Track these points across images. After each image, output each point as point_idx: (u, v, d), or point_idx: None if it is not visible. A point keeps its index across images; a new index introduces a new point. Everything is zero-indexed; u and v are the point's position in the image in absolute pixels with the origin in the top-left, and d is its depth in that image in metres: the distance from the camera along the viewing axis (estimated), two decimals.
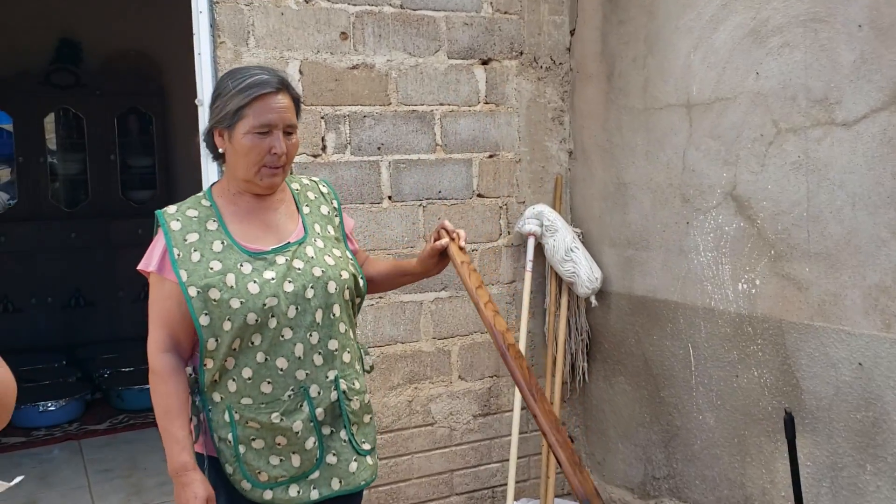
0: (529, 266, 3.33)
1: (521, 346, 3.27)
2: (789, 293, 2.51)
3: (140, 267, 1.92)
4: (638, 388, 3.21)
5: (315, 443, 1.92)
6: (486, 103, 3.31)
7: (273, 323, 1.85)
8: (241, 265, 1.86)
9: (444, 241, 2.01)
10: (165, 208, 1.93)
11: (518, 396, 3.21)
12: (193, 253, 1.85)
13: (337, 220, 2.05)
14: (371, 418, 2.03)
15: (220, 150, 1.93)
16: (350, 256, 2.01)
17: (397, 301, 3.19)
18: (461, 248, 2.03)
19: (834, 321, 2.36)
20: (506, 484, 3.37)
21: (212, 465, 1.90)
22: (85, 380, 5.76)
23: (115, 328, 6.77)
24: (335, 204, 2.08)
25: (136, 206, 7.14)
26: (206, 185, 2.42)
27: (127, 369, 5.64)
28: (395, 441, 3.21)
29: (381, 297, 3.16)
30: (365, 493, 3.13)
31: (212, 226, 1.89)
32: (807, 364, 2.46)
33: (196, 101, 2.87)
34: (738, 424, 2.74)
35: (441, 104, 3.22)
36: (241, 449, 1.88)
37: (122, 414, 5.20)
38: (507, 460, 3.27)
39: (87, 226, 6.91)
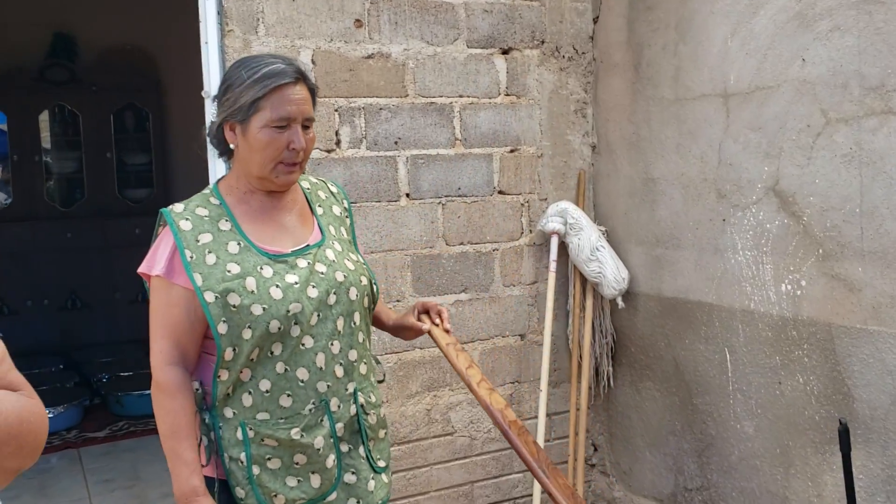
0: (553, 266, 3.17)
1: (545, 351, 3.12)
2: (839, 295, 2.35)
3: (142, 270, 1.76)
4: (668, 395, 3.06)
5: (335, 461, 1.78)
6: (507, 95, 3.15)
7: (296, 331, 1.71)
8: (262, 268, 1.71)
9: (427, 326, 1.94)
10: (171, 206, 1.77)
11: (543, 403, 3.05)
12: (208, 255, 1.70)
13: (348, 221, 1.94)
14: (386, 433, 1.92)
15: (231, 146, 1.78)
16: (363, 261, 1.89)
17: None
18: (446, 330, 1.96)
19: (891, 325, 2.20)
20: (528, 495, 3.22)
21: (222, 490, 1.75)
22: (83, 384, 5.60)
23: (112, 331, 6.59)
24: (346, 204, 1.97)
25: (132, 204, 6.97)
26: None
27: (126, 374, 5.47)
28: (413, 452, 3.05)
29: (399, 301, 3.00)
30: None
31: (224, 226, 1.74)
32: (860, 371, 2.30)
33: (203, 93, 2.70)
34: (781, 434, 2.58)
35: (460, 96, 3.05)
36: (255, 470, 1.72)
37: (121, 420, 5.03)
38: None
39: (84, 225, 6.74)
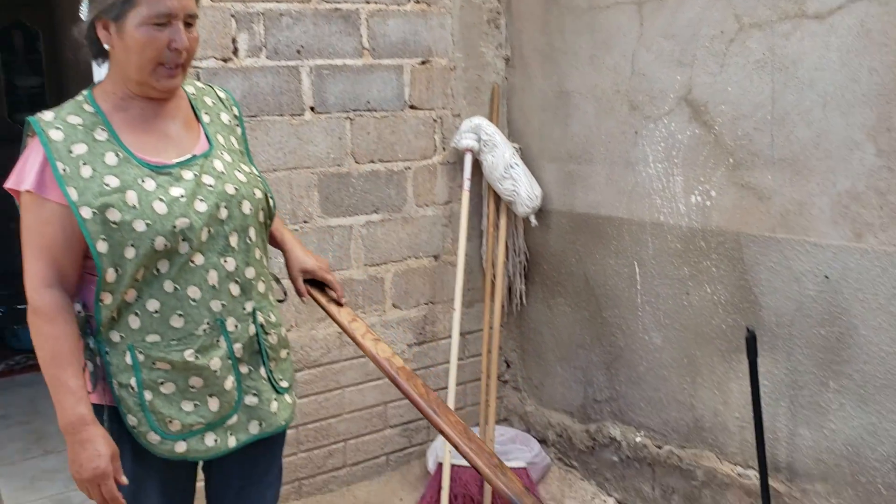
0: (467, 185, 3.09)
1: (459, 271, 3.06)
2: (749, 204, 2.34)
3: (9, 185, 1.60)
4: (578, 310, 3.06)
5: (234, 383, 1.70)
6: (417, 2, 2.99)
7: (185, 248, 1.60)
8: (143, 181, 1.58)
9: (305, 297, 1.97)
10: (40, 114, 1.61)
11: (456, 322, 3.01)
12: (83, 167, 1.55)
13: (239, 130, 1.82)
14: (288, 353, 1.86)
15: (106, 47, 1.61)
16: (257, 173, 1.78)
17: (324, 226, 2.91)
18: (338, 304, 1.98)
19: (799, 232, 2.21)
20: None
21: (112, 418, 1.65)
22: None
23: (6, 262, 6.22)
24: (235, 111, 1.84)
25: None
26: None
27: (23, 306, 5.18)
28: (324, 375, 2.98)
29: (306, 222, 2.87)
30: (292, 432, 2.93)
31: (101, 135, 1.59)
32: (767, 279, 2.32)
33: None
34: (688, 344, 2.61)
35: (367, 2, 2.88)
36: (148, 395, 1.63)
37: (18, 354, 4.80)
38: (445, 388, 3.09)
39: None
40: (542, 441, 3.30)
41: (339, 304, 1.97)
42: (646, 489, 2.83)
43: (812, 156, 2.14)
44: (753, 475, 2.43)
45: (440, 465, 2.91)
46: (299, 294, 1.96)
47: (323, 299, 1.94)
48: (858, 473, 2.17)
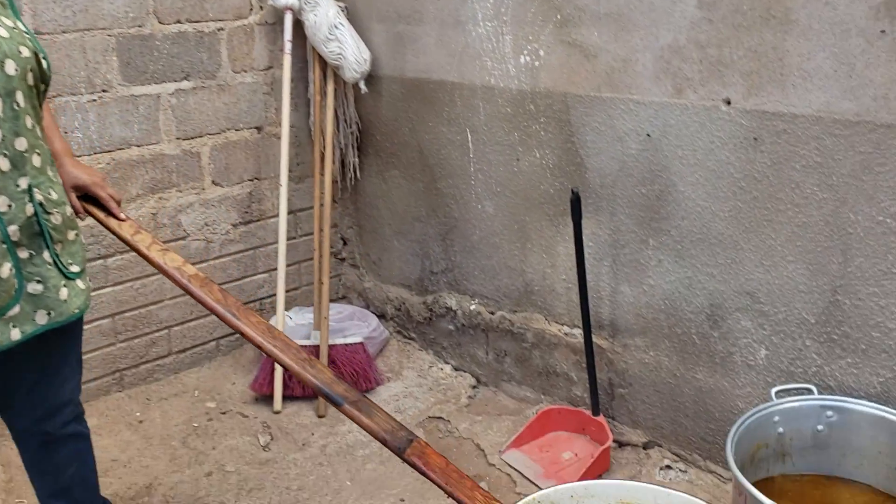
0: (288, 48, 2.85)
1: (283, 144, 2.86)
2: (575, 63, 2.28)
3: None
4: (413, 181, 2.96)
5: (11, 270, 1.50)
6: None
7: None
8: None
9: (82, 214, 1.77)
10: None
11: (284, 199, 2.84)
12: None
13: None
14: (77, 234, 1.68)
15: None
16: (25, 29, 1.52)
17: (127, 95, 2.62)
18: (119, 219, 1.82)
19: (623, 90, 2.18)
20: (274, 295, 3.09)
21: None
22: None
23: None
24: None
25: None
26: None
27: None
28: (139, 261, 2.75)
29: (105, 91, 2.57)
30: (107, 322, 2.72)
31: None
32: (592, 140, 2.30)
33: None
34: (519, 210, 2.59)
35: None
36: None
37: None
38: (275, 269, 2.96)
39: None
40: (381, 316, 3.26)
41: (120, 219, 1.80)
42: (480, 354, 2.87)
43: (636, 9, 2.08)
44: (579, 334, 2.49)
45: None
46: (76, 212, 1.74)
47: (101, 215, 1.79)
48: (675, 326, 2.25)
